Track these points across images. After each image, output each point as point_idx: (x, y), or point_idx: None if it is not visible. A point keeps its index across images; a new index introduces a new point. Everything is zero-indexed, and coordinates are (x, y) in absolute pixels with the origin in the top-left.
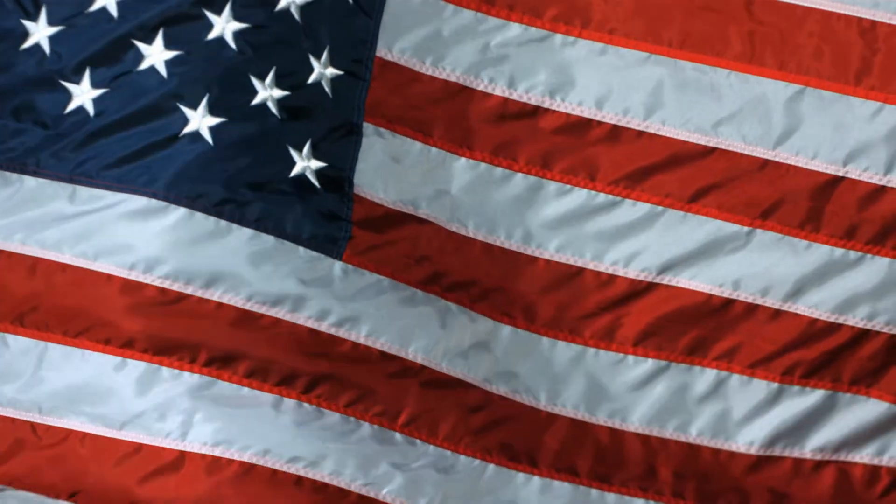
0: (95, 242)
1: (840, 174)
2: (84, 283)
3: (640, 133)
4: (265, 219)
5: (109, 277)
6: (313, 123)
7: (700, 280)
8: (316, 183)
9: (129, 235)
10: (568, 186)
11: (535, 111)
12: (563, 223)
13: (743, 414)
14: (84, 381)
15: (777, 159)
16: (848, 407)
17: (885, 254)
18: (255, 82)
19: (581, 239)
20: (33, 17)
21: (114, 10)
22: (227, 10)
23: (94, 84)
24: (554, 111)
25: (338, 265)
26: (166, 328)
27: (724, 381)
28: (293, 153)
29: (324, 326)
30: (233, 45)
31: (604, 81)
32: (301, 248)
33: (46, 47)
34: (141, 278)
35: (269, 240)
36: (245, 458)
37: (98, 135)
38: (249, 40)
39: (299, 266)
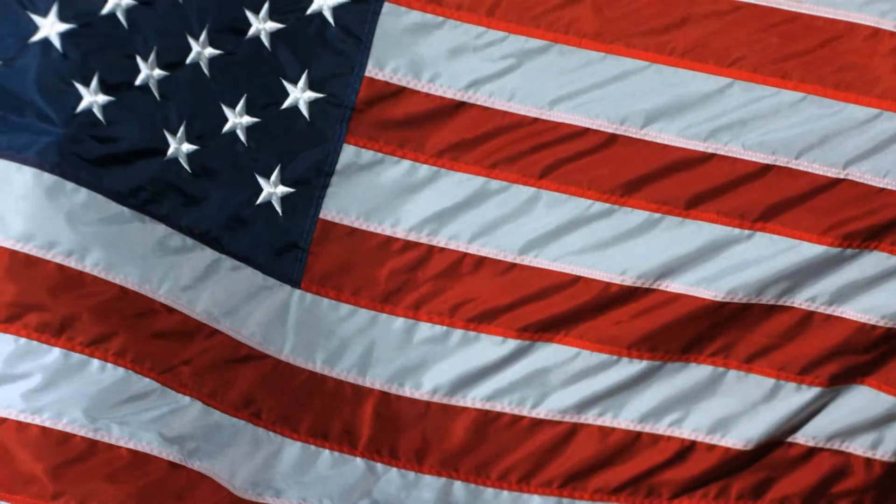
0: (109, 253)
1: (841, 176)
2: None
3: (638, 141)
4: (237, 247)
5: (123, 290)
6: (283, 149)
7: (698, 284)
8: (279, 210)
9: (134, 250)
10: (565, 196)
11: (535, 122)
12: (561, 232)
13: (739, 409)
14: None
15: (777, 164)
16: (843, 397)
17: (882, 248)
18: (226, 110)
19: (578, 248)
20: (42, 13)
21: (123, 19)
22: (203, 35)
23: (102, 90)
24: (553, 122)
25: (297, 293)
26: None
27: (721, 376)
28: (260, 180)
29: (283, 356)
30: (206, 71)
31: (604, 90)
32: (264, 276)
33: (57, 43)
34: (149, 294)
35: (241, 266)
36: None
37: (105, 142)
38: (222, 67)
39: (263, 294)
